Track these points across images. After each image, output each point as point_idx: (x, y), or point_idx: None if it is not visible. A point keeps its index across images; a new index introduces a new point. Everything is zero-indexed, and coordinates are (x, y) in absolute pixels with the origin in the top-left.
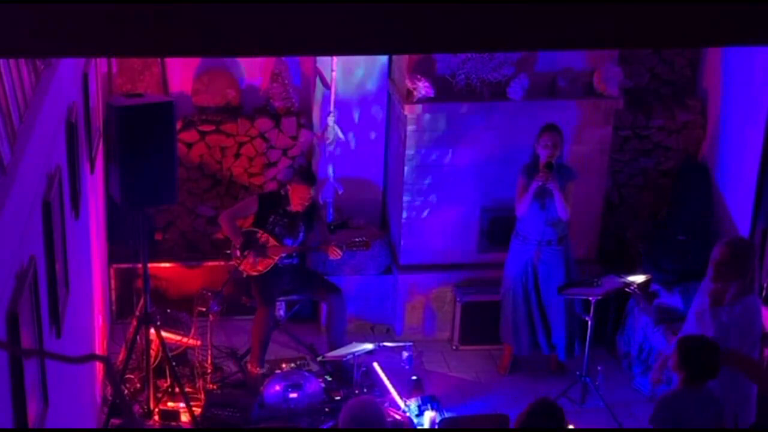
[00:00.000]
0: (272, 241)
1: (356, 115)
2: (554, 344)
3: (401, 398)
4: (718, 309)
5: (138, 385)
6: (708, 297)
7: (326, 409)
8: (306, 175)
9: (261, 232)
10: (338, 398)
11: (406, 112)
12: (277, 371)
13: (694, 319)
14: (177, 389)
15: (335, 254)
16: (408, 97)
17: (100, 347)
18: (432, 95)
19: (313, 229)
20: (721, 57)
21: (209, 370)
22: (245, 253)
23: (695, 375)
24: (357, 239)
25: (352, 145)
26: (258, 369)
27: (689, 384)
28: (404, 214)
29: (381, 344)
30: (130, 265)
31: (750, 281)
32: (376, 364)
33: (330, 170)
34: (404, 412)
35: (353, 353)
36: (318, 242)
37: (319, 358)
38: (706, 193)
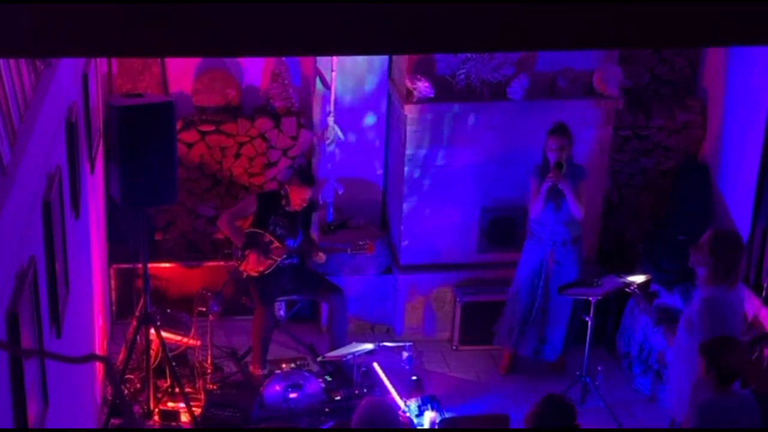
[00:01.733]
0: (275, 243)
1: (356, 115)
2: (549, 341)
3: (401, 398)
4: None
5: (138, 385)
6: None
7: (326, 409)
8: (305, 176)
9: (265, 233)
10: (338, 398)
11: (406, 112)
12: (277, 371)
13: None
14: (177, 389)
15: (320, 259)
16: (408, 97)
17: (100, 347)
18: (432, 95)
19: (309, 229)
20: (721, 57)
21: (209, 370)
22: (246, 252)
23: (724, 377)
24: (361, 242)
25: (352, 145)
26: (260, 370)
27: (720, 387)
28: (404, 214)
29: (381, 344)
30: (130, 265)
31: (723, 271)
32: (376, 364)
33: (329, 170)
34: (404, 412)
35: (353, 353)
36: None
37: (319, 358)
38: (706, 193)
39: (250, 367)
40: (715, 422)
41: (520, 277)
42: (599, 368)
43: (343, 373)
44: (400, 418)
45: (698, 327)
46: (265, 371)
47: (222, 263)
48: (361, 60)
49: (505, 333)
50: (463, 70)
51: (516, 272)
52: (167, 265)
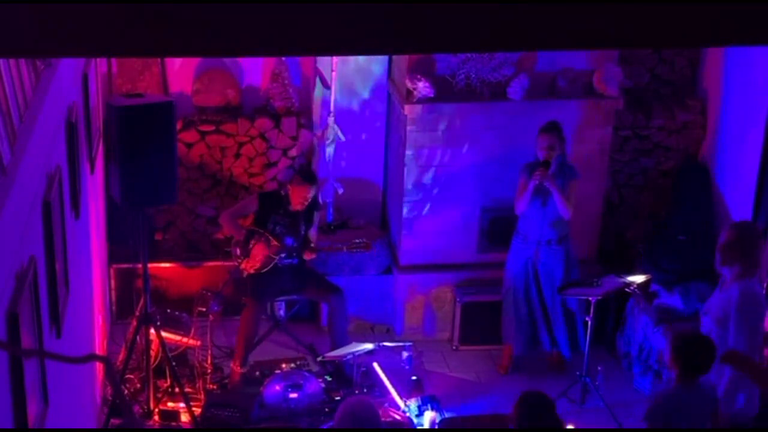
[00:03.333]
0: (273, 241)
1: (356, 115)
2: (557, 341)
3: (401, 398)
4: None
5: (138, 385)
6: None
7: (326, 409)
8: (306, 174)
9: (264, 232)
10: (338, 398)
11: (406, 112)
12: (277, 371)
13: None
14: (177, 389)
15: (309, 257)
16: (408, 97)
17: (100, 347)
18: (432, 95)
19: (312, 226)
20: (721, 57)
21: (209, 370)
22: (251, 243)
23: (689, 371)
24: (357, 240)
25: (352, 145)
26: (240, 368)
27: (683, 380)
28: (404, 214)
29: (381, 344)
30: (130, 265)
31: (753, 264)
32: (376, 364)
33: (329, 170)
34: (404, 412)
35: (353, 353)
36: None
37: (319, 358)
38: (706, 193)
39: (231, 365)
40: (670, 415)
41: (509, 276)
42: (599, 368)
43: (343, 373)
44: (385, 417)
45: (738, 321)
46: (245, 370)
47: (222, 263)
48: (361, 59)
49: (510, 332)
50: (463, 70)
51: (505, 271)
52: (167, 265)
